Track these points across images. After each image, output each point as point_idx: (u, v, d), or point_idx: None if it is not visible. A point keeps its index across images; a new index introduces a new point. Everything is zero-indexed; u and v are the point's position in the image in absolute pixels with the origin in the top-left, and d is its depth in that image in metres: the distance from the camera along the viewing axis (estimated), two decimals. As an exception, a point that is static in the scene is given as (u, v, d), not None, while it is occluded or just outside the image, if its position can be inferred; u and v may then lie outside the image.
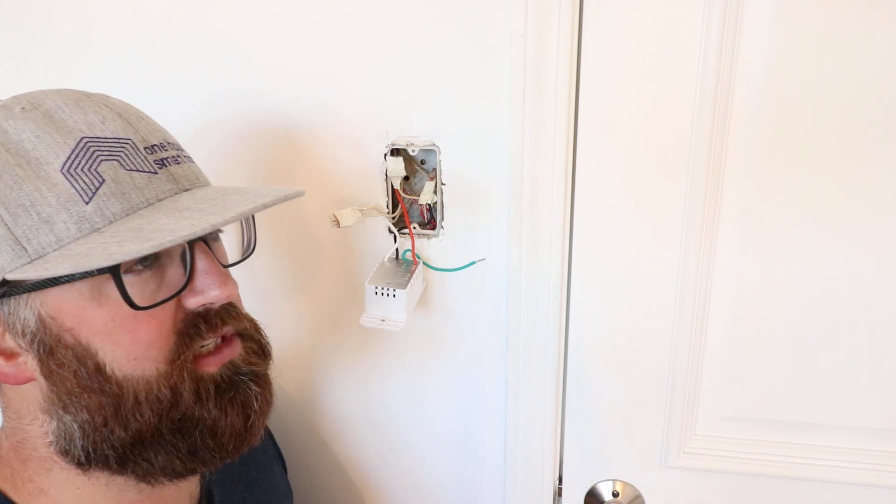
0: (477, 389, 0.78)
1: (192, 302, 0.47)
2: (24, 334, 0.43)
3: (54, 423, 0.45)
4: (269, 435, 0.74)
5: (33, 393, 0.45)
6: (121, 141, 0.45)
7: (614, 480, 0.80)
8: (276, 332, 0.81)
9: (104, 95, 0.48)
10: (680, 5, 0.59)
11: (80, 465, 0.46)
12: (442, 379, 0.79)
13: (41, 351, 0.43)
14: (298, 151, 0.71)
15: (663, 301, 0.69)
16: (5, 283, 0.42)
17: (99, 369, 0.44)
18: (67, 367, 0.43)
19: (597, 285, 0.71)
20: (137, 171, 0.44)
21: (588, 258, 0.70)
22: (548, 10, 0.60)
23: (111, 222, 0.42)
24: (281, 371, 0.84)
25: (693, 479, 0.78)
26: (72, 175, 0.42)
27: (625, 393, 0.75)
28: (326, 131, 0.70)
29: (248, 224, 0.55)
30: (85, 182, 0.42)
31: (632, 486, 0.80)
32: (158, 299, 0.45)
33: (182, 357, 0.46)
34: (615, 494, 0.80)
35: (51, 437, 0.46)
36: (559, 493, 0.82)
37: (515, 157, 0.65)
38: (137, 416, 0.45)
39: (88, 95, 0.47)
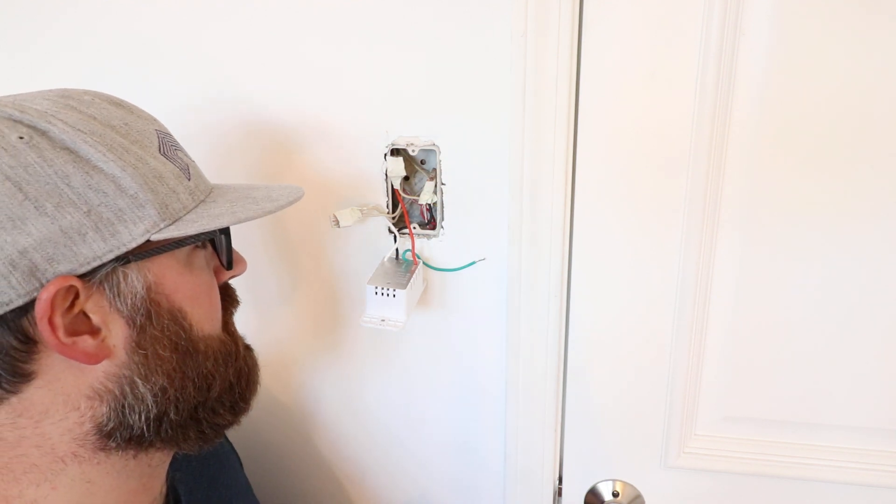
0: (477, 389, 0.78)
1: (228, 274, 0.54)
2: (130, 304, 0.44)
3: (104, 407, 0.44)
4: None
5: (87, 378, 0.43)
6: (170, 135, 0.50)
7: (614, 480, 0.80)
8: (274, 334, 0.81)
9: None
10: (680, 6, 0.59)
11: (128, 441, 0.45)
12: (442, 379, 0.79)
13: (143, 318, 0.44)
14: (299, 151, 0.71)
15: (663, 301, 0.69)
16: (127, 249, 0.43)
17: (188, 330, 0.47)
18: (164, 330, 0.46)
19: (597, 285, 0.71)
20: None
21: (588, 258, 0.70)
22: (548, 10, 0.60)
23: (203, 200, 0.48)
24: (277, 373, 0.84)
25: (693, 479, 0.78)
26: (168, 157, 0.47)
27: (625, 393, 0.75)
28: (327, 131, 0.70)
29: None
30: (178, 163, 0.47)
31: (632, 486, 0.80)
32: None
33: (225, 319, 0.54)
34: (615, 494, 0.80)
35: (88, 426, 0.44)
36: (559, 492, 0.82)
37: (515, 156, 0.65)
38: (215, 373, 0.49)
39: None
